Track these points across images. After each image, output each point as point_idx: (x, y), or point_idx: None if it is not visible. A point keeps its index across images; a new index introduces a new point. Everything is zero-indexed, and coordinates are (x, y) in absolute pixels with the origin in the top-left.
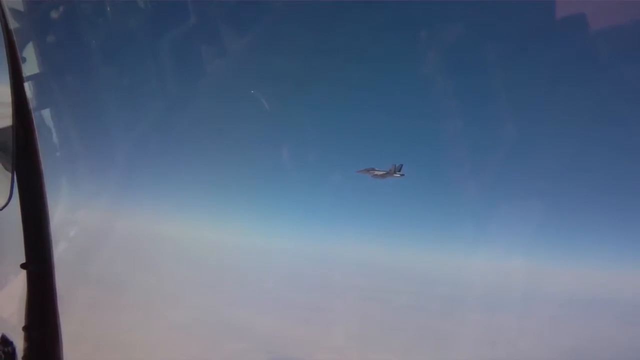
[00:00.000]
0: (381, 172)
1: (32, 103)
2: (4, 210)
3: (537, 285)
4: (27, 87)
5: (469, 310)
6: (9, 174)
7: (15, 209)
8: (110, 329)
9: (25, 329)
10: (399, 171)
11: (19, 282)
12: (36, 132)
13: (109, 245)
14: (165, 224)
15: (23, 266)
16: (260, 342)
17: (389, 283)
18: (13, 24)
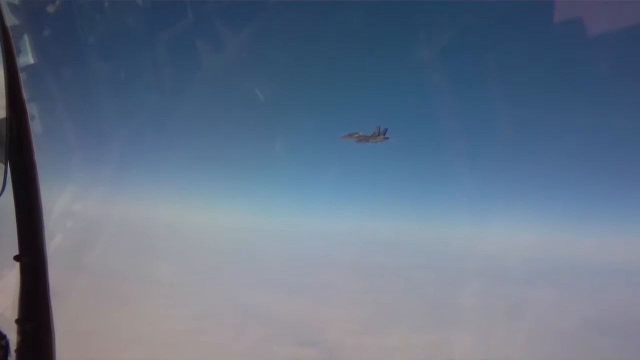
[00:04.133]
0: (365, 135)
1: (26, 95)
2: None
3: (551, 254)
4: (22, 79)
5: (484, 282)
6: (2, 166)
7: (8, 200)
8: (129, 320)
9: (18, 321)
10: (384, 134)
11: (12, 274)
12: (30, 123)
13: (110, 236)
14: (163, 213)
15: (16, 258)
16: (285, 327)
17: (403, 258)
18: (8, 16)
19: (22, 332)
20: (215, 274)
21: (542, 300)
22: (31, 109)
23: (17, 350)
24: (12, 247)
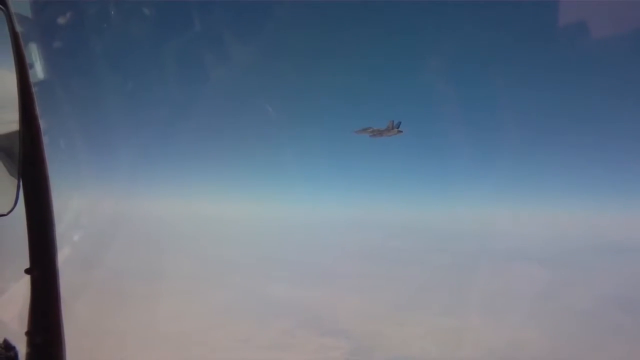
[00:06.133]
0: (379, 130)
1: (38, 109)
2: (10, 215)
3: (562, 233)
4: (34, 93)
5: (498, 263)
6: (15, 180)
7: (21, 213)
8: (155, 318)
9: (28, 334)
10: (397, 128)
11: (23, 286)
12: (42, 137)
13: (123, 246)
14: (178, 219)
15: (27, 271)
16: (306, 317)
17: (420, 243)
18: (21, 31)
19: (31, 345)
20: (236, 267)
21: (563, 279)
22: (44, 122)
23: None
24: (24, 260)
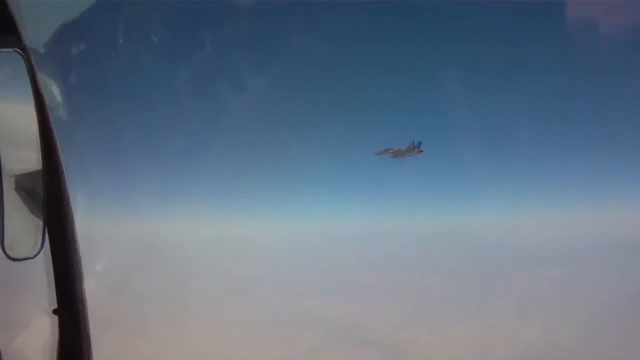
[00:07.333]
0: (400, 150)
1: (60, 147)
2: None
3: (578, 233)
4: (55, 132)
5: (515, 268)
6: (40, 221)
7: (47, 253)
8: (178, 337)
9: None
10: (418, 147)
11: (49, 327)
12: (65, 175)
13: (151, 268)
14: (199, 243)
15: (55, 312)
16: (333, 331)
17: (438, 252)
18: (39, 71)
19: None
20: (262, 284)
21: (583, 281)
22: (65, 161)
23: None
24: (51, 300)
